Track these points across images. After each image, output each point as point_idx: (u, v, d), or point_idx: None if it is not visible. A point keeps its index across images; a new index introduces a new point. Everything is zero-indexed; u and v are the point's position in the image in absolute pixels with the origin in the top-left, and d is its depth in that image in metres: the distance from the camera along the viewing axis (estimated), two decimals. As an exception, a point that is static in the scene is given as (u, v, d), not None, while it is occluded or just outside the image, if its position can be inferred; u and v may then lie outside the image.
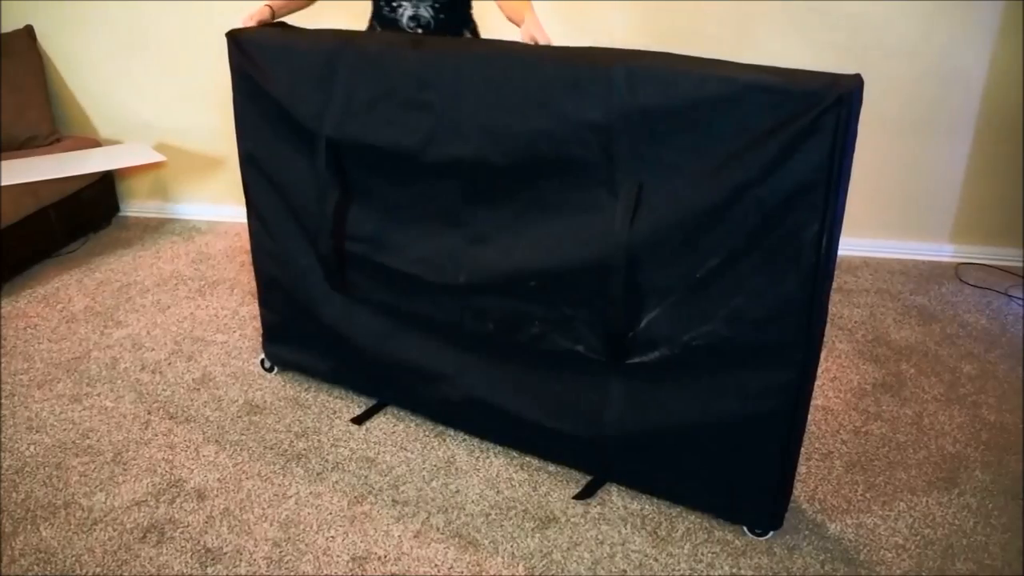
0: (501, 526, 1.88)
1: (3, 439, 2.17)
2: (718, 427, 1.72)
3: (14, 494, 1.98)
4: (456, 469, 2.04)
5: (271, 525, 1.88)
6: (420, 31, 2.14)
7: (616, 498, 1.95)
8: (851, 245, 3.05)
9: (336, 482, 2.00)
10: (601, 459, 1.92)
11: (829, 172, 1.45)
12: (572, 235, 1.71)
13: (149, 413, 2.26)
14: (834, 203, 1.47)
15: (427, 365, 2.04)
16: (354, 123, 1.88)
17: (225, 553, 1.81)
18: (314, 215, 2.01)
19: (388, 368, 2.12)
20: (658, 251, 1.63)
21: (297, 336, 2.26)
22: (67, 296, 2.88)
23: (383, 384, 2.20)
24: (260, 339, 2.59)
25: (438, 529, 1.87)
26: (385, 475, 2.03)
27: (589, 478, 1.99)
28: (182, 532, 1.86)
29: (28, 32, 3.29)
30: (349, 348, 2.15)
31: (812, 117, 1.42)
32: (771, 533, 1.83)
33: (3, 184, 2.85)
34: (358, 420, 2.21)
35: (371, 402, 2.27)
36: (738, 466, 1.75)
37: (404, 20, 2.09)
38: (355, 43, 1.90)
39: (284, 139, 2.01)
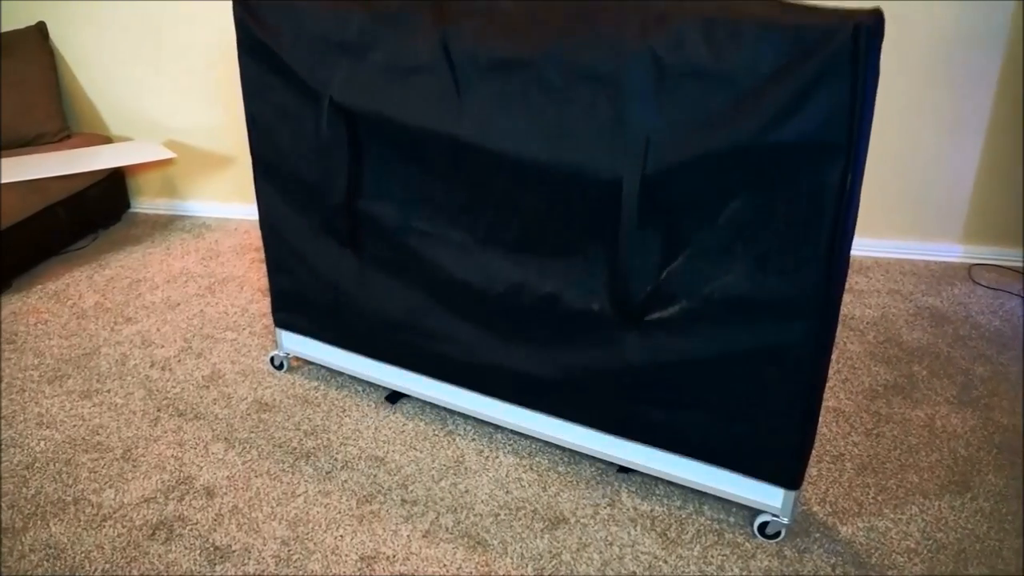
0: (510, 526, 1.87)
1: (14, 435, 2.17)
2: (737, 382, 1.70)
3: (24, 490, 1.99)
4: (465, 469, 2.04)
5: (280, 523, 1.88)
6: None
7: (626, 499, 1.94)
8: (863, 246, 3.03)
9: (345, 481, 2.00)
10: (620, 418, 1.88)
11: (849, 116, 1.41)
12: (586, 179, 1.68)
13: (158, 410, 2.26)
14: (855, 148, 1.43)
15: (437, 327, 2.02)
16: (362, 86, 1.85)
17: (234, 551, 1.81)
18: (322, 173, 1.99)
19: (397, 330, 2.09)
20: (672, 200, 1.60)
21: (305, 301, 2.24)
22: (77, 292, 2.89)
23: (392, 348, 2.16)
24: (270, 337, 2.59)
25: (447, 529, 1.86)
26: (394, 474, 2.02)
27: (599, 473, 1.99)
28: (191, 530, 1.87)
29: (40, 29, 3.30)
30: (358, 310, 2.13)
31: (827, 54, 1.38)
32: (782, 535, 1.82)
33: (13, 180, 2.86)
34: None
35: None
36: (758, 421, 1.72)
37: None
38: (368, 3, 1.86)
39: (291, 98, 1.99)
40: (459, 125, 1.77)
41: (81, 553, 1.81)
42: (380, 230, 2.01)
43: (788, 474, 1.77)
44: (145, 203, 3.58)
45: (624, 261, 1.69)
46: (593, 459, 2.06)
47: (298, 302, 2.28)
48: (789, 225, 1.55)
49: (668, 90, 1.56)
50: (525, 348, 1.92)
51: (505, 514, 1.90)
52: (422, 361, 2.13)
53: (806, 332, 1.60)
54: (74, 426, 2.20)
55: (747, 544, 1.82)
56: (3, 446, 2.13)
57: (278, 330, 2.37)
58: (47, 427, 2.20)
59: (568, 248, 1.78)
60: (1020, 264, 2.98)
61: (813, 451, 2.08)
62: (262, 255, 3.11)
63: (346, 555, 1.80)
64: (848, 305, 2.74)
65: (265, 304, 2.78)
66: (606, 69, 1.60)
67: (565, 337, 1.86)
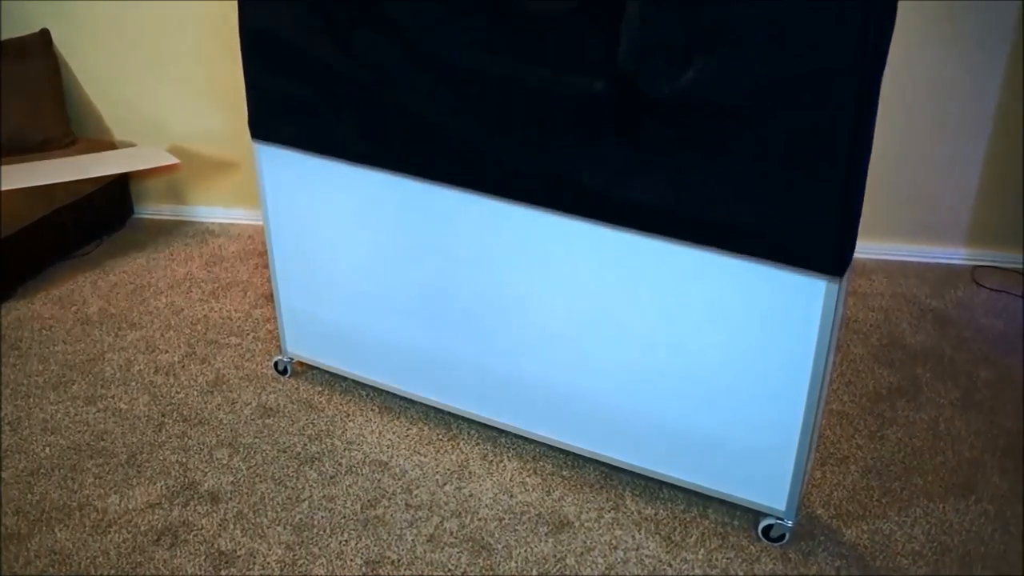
0: (515, 531, 1.87)
1: (19, 440, 2.18)
2: (768, 155, 1.57)
3: (29, 495, 1.99)
4: (469, 473, 2.04)
5: (284, 528, 1.88)
6: None
7: (630, 502, 1.94)
8: (866, 248, 3.03)
9: (349, 486, 2.00)
10: (634, 214, 1.76)
11: None
12: None
13: (163, 415, 2.27)
14: None
15: (426, 113, 1.91)
16: None
17: (239, 556, 1.81)
18: None
19: (389, 122, 1.97)
20: None
21: (288, 103, 2.12)
22: (81, 298, 2.89)
23: (374, 143, 2.03)
24: (274, 342, 2.60)
25: (451, 533, 1.87)
26: (398, 479, 2.03)
27: (603, 477, 1.99)
28: (196, 535, 1.87)
29: (44, 35, 3.31)
30: (348, 101, 2.02)
31: None
32: (786, 538, 1.82)
33: (18, 186, 2.87)
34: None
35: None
36: (793, 199, 1.58)
37: None
38: None
39: None
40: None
41: (86, 559, 1.81)
42: (379, 25, 1.89)
43: (830, 259, 1.59)
44: (149, 208, 3.58)
45: (630, 32, 1.58)
46: (597, 463, 2.06)
47: (279, 105, 2.13)
48: None
49: None
50: (522, 136, 1.80)
51: (509, 518, 1.91)
52: (410, 157, 1.99)
53: (841, 103, 1.46)
54: (79, 432, 2.21)
55: (751, 547, 1.82)
56: (8, 452, 2.14)
57: (282, 334, 2.38)
58: (52, 433, 2.21)
59: (569, 33, 1.67)
60: (1023, 266, 2.98)
61: (816, 453, 2.08)
62: (266, 260, 3.11)
63: (351, 560, 1.80)
64: (851, 308, 2.74)
65: (270, 309, 2.78)
66: None
67: (567, 122, 1.74)
